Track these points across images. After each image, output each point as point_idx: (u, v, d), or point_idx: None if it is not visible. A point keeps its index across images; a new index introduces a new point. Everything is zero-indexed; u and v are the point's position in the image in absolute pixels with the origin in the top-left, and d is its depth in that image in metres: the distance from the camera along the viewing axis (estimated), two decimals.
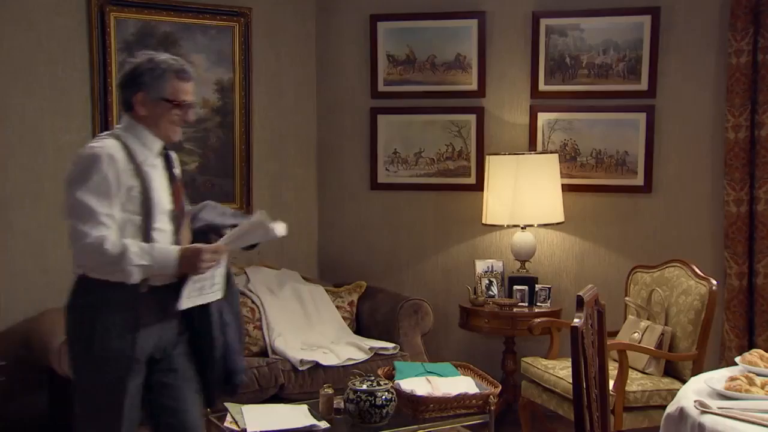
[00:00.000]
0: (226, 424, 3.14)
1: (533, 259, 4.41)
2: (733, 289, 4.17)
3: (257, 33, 4.61)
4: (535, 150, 4.53)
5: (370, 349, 4.00)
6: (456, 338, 4.62)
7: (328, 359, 3.87)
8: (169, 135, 2.59)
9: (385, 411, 3.09)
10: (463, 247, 4.67)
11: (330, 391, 3.20)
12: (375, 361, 3.91)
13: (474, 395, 3.24)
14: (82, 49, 4.14)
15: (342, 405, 3.16)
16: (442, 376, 3.44)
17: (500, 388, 3.45)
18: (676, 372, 3.63)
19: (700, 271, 3.69)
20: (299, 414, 3.19)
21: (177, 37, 4.39)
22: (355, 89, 4.79)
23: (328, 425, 3.13)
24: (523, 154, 4.37)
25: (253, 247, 2.69)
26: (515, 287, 4.34)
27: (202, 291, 2.57)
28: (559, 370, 3.69)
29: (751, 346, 4.05)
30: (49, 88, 4.06)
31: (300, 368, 3.80)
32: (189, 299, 2.54)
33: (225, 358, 2.68)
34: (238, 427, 3.09)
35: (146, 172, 2.51)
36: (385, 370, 3.58)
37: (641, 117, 4.43)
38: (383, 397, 3.08)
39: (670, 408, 2.31)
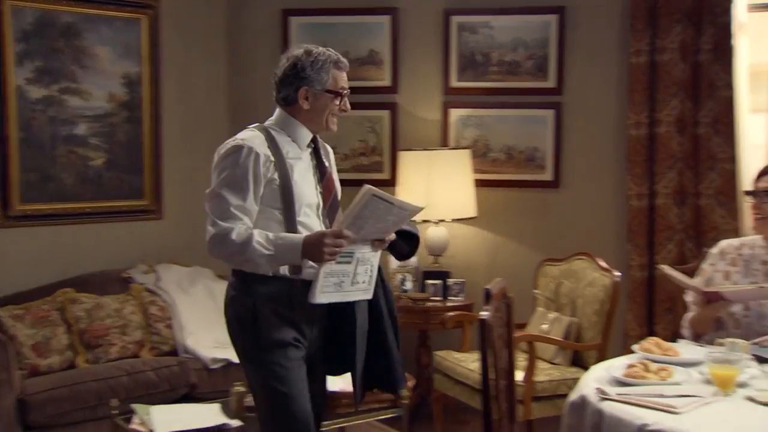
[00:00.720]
0: (132, 425, 3.08)
1: (446, 254, 4.49)
2: (636, 280, 4.35)
3: (166, 26, 4.53)
4: (448, 146, 4.61)
5: None
6: None
7: None
8: (330, 126, 2.59)
9: None
10: None
11: (242, 388, 3.17)
12: None
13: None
14: None
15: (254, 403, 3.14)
16: None
17: (414, 381, 3.50)
18: (582, 361, 3.76)
19: (605, 263, 3.83)
20: (210, 413, 3.17)
21: (80, 28, 4.26)
22: (269, 85, 4.74)
23: (241, 423, 3.12)
24: (436, 150, 4.44)
25: (411, 252, 2.65)
26: (429, 282, 4.40)
27: (341, 287, 2.48)
28: (470, 363, 3.77)
29: (652, 334, 4.23)
30: None
31: (212, 366, 3.77)
32: (324, 294, 2.44)
33: (388, 369, 2.64)
34: (146, 428, 3.04)
35: (289, 165, 2.49)
36: None
37: (549, 114, 4.56)
38: None
39: (573, 396, 2.38)
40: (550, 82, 4.55)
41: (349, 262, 2.45)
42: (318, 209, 2.55)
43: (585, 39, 4.50)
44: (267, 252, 2.38)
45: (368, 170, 4.71)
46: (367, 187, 2.36)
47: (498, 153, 4.63)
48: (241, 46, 4.81)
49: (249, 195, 2.43)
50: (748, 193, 2.96)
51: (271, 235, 2.41)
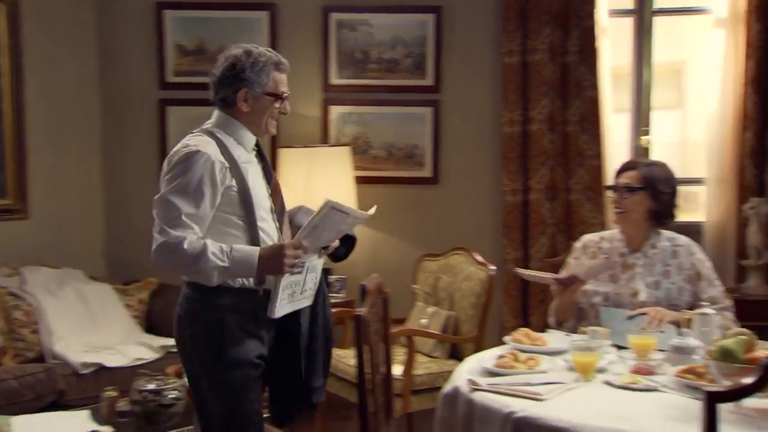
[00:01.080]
0: None
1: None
2: (511, 273, 4.47)
3: (27, 16, 4.31)
4: (328, 143, 4.61)
5: (162, 347, 3.90)
6: None
7: (113, 360, 3.74)
8: (269, 129, 2.56)
9: (172, 410, 3.02)
10: None
11: (114, 393, 3.08)
12: (167, 359, 3.81)
13: None
14: None
15: (127, 407, 3.06)
16: None
17: None
18: (460, 354, 3.84)
19: (481, 257, 3.93)
20: (79, 421, 3.05)
21: None
22: (143, 80, 4.64)
23: (112, 429, 3.02)
24: (316, 146, 4.44)
25: (347, 254, 2.65)
26: None
27: (293, 298, 2.47)
28: (351, 359, 3.79)
29: (527, 325, 4.37)
30: None
31: (82, 371, 3.63)
32: (282, 308, 2.44)
33: (307, 374, 2.58)
34: None
35: (244, 170, 2.45)
36: (177, 368, 3.49)
37: (428, 111, 4.65)
38: (171, 395, 3.02)
39: (446, 387, 2.44)
40: (428, 80, 4.63)
41: (301, 272, 2.46)
42: (271, 213, 2.53)
43: (461, 38, 4.61)
44: (221, 264, 2.33)
45: None
46: (327, 199, 2.37)
47: (378, 150, 4.68)
48: (113, 40, 4.65)
49: (204, 203, 2.36)
50: (609, 188, 3.11)
51: (224, 246, 2.36)
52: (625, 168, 3.08)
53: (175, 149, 2.45)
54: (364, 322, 2.43)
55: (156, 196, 2.40)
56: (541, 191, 4.48)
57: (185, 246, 2.31)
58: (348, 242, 2.67)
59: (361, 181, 4.54)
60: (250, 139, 2.54)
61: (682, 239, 3.05)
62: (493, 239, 4.61)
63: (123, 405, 3.10)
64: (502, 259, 4.50)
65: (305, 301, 2.56)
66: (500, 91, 4.52)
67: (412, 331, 3.70)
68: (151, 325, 4.25)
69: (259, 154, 2.59)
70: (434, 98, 4.63)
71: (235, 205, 2.43)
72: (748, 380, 1.71)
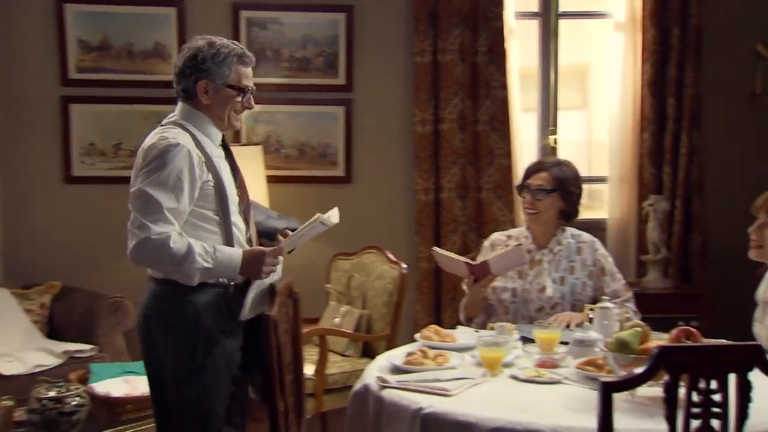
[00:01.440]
0: None
1: None
2: (423, 271, 4.55)
3: None
4: (239, 142, 4.56)
5: (64, 352, 3.78)
6: None
7: (10, 368, 3.59)
8: (232, 123, 2.51)
9: (75, 418, 2.92)
10: None
11: (9, 403, 2.95)
12: (69, 365, 3.70)
13: None
14: None
15: (25, 417, 2.94)
16: (142, 374, 3.33)
17: None
18: (373, 352, 3.84)
19: (393, 256, 3.96)
20: None
21: None
22: (44, 77, 4.47)
23: None
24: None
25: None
26: None
27: (262, 300, 2.49)
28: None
29: (439, 323, 4.44)
30: None
31: None
32: (252, 310, 2.45)
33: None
34: None
35: (217, 164, 2.42)
36: (80, 374, 3.40)
37: (340, 110, 4.65)
38: (72, 402, 2.92)
39: (357, 386, 2.46)
40: (341, 80, 4.63)
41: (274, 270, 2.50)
42: (238, 207, 2.51)
43: (373, 38, 4.63)
44: (206, 265, 2.32)
45: None
46: (318, 214, 2.47)
47: (290, 149, 4.65)
48: (11, 34, 4.46)
49: (183, 197, 2.32)
50: (520, 189, 3.17)
51: (208, 246, 2.34)
52: (535, 170, 3.15)
53: (150, 142, 2.39)
54: (273, 322, 2.43)
55: (132, 189, 2.34)
56: (452, 190, 4.55)
57: (171, 244, 2.26)
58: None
59: (273, 180, 4.51)
60: (217, 133, 2.51)
61: (585, 236, 3.16)
62: (406, 237, 4.65)
63: (20, 415, 2.98)
64: (414, 257, 4.55)
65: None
66: (412, 90, 4.57)
67: (324, 331, 3.71)
68: (54, 330, 4.11)
69: (225, 149, 2.56)
70: (346, 97, 4.64)
71: (211, 200, 2.40)
72: (640, 370, 1.78)
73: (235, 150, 4.20)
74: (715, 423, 1.78)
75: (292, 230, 2.63)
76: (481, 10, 4.48)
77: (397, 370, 2.44)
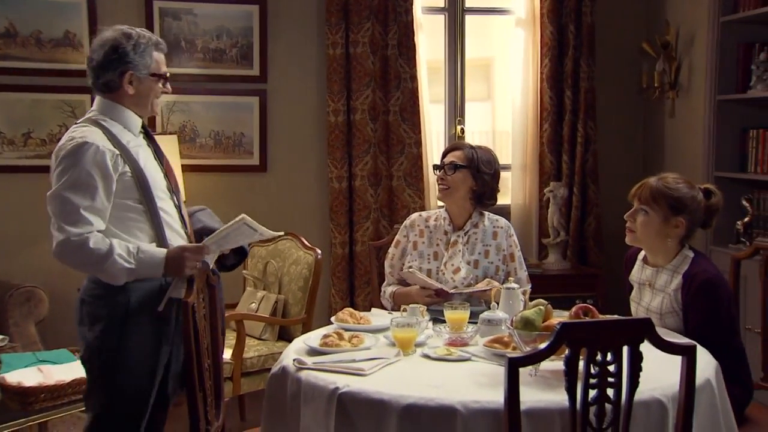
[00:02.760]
0: None
1: None
2: (338, 256, 4.54)
3: None
4: (155, 131, 4.43)
5: None
6: None
7: None
8: (154, 109, 2.53)
9: None
10: None
11: None
12: None
13: None
14: None
15: None
16: (56, 363, 3.22)
17: None
18: (289, 335, 3.84)
19: (308, 242, 3.94)
20: None
21: None
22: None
23: None
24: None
25: (234, 266, 2.68)
26: None
27: (181, 294, 2.39)
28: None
29: (353, 305, 4.46)
30: None
31: None
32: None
33: None
34: None
35: (135, 153, 2.38)
36: None
37: (255, 100, 4.59)
38: None
39: (274, 368, 2.43)
40: (255, 71, 4.57)
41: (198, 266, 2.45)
42: (168, 192, 2.49)
43: (286, 30, 4.58)
44: (128, 266, 2.29)
45: None
46: (243, 215, 2.42)
47: (206, 138, 4.56)
48: None
49: (98, 194, 2.29)
50: (436, 167, 3.18)
51: (131, 246, 2.31)
52: (451, 148, 3.17)
53: (60, 143, 2.35)
54: (192, 309, 2.38)
55: (48, 193, 2.30)
56: (364, 178, 4.55)
57: (90, 245, 2.25)
58: (239, 254, 2.70)
59: (189, 169, 4.42)
60: (136, 121, 2.49)
61: (503, 221, 3.18)
62: (320, 224, 4.64)
63: None
64: (329, 243, 4.55)
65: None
66: (324, 81, 4.55)
67: (241, 316, 3.66)
68: None
69: (147, 136, 2.54)
70: (261, 88, 4.58)
71: (132, 190, 2.37)
72: (543, 346, 1.83)
73: None
74: (610, 392, 1.85)
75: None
76: (390, 5, 4.49)
77: (313, 351, 2.43)
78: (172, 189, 2.53)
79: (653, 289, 2.66)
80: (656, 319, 2.57)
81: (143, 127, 2.53)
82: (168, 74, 2.54)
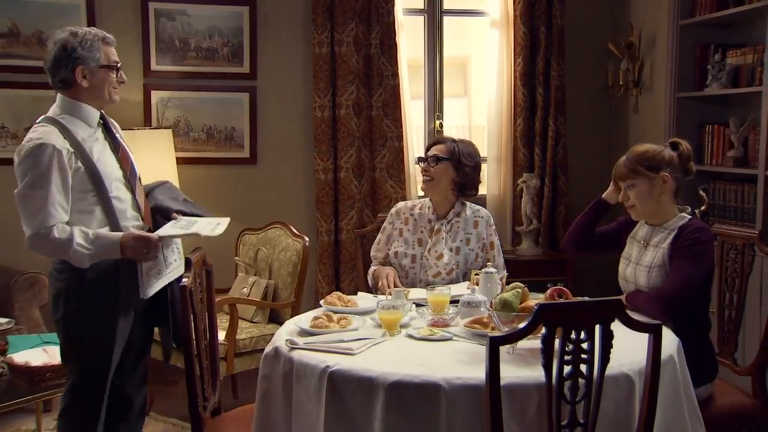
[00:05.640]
0: None
1: None
2: (324, 244, 4.53)
3: None
4: (150, 125, 4.40)
5: None
6: None
7: None
8: (113, 98, 2.55)
9: None
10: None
11: None
12: None
13: None
14: None
15: None
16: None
17: None
18: (279, 318, 3.83)
19: (296, 230, 3.93)
20: None
21: None
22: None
23: None
24: (138, 129, 4.21)
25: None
26: None
27: (161, 273, 2.55)
28: None
29: (339, 290, 4.44)
30: None
31: None
32: (151, 287, 2.52)
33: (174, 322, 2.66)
34: None
35: (88, 149, 2.45)
36: None
37: (245, 96, 4.55)
38: None
39: (267, 348, 2.42)
40: (245, 68, 4.53)
41: (156, 256, 2.52)
42: (124, 179, 2.54)
43: (275, 30, 4.55)
44: (87, 252, 2.39)
45: None
46: (199, 233, 2.53)
47: (199, 133, 4.53)
48: None
49: (57, 190, 2.37)
50: (420, 159, 3.18)
51: (91, 233, 2.40)
52: (435, 142, 3.17)
53: (23, 142, 2.42)
54: (189, 292, 2.37)
55: (15, 191, 2.39)
56: (349, 170, 4.54)
57: (55, 235, 2.35)
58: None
59: (182, 161, 4.38)
60: (94, 114, 2.52)
61: (483, 212, 3.17)
62: (307, 213, 4.63)
63: None
64: (315, 231, 4.53)
65: (175, 273, 2.64)
66: (311, 78, 4.52)
67: (234, 300, 3.65)
68: None
69: (105, 128, 2.58)
70: (251, 85, 4.55)
71: (87, 183, 2.44)
72: (521, 326, 1.84)
73: (147, 133, 4.18)
74: (583, 367, 1.87)
75: (186, 215, 2.68)
76: (373, 6, 4.47)
77: (304, 333, 2.42)
78: (127, 177, 2.57)
79: (647, 246, 2.65)
80: (644, 274, 2.57)
81: (102, 118, 2.57)
82: (120, 64, 2.55)
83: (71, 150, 2.41)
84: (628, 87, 4.72)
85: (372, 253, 3.22)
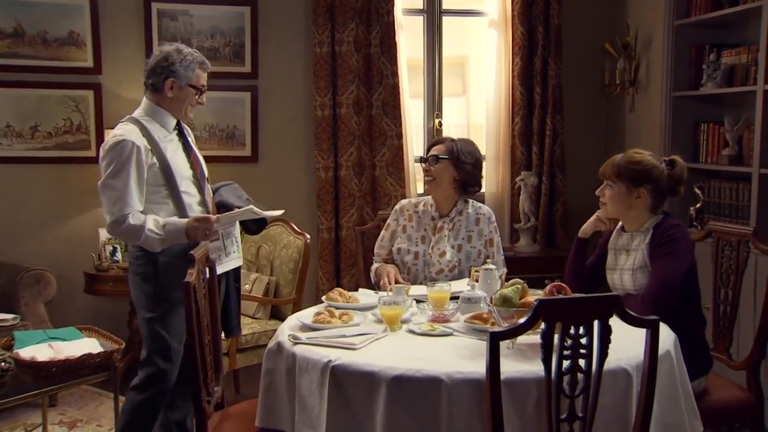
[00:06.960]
0: None
1: None
2: (324, 241, 4.54)
3: None
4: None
5: None
6: (83, 304, 4.33)
7: None
8: (187, 115, 2.83)
9: (1, 381, 2.77)
10: (86, 217, 4.37)
11: None
12: None
13: (97, 354, 3.07)
14: None
15: None
16: (65, 340, 3.19)
17: (124, 345, 3.31)
18: (280, 314, 3.84)
19: (297, 228, 3.93)
20: None
21: None
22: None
23: None
24: None
25: (263, 226, 2.96)
26: None
27: (220, 260, 2.76)
28: None
29: (340, 286, 4.45)
30: None
31: None
32: (223, 266, 2.77)
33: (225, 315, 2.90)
34: None
35: (163, 148, 2.70)
36: (4, 341, 3.21)
37: (247, 96, 4.55)
38: None
39: (270, 343, 2.42)
40: (247, 68, 4.53)
41: (218, 240, 2.78)
42: (193, 179, 2.78)
43: (276, 30, 4.54)
44: (157, 237, 2.63)
45: (73, 148, 4.33)
46: (251, 206, 2.79)
47: (201, 131, 4.52)
48: None
49: (134, 181, 2.61)
50: (421, 159, 3.18)
51: (161, 220, 2.66)
52: (434, 143, 3.17)
53: (107, 139, 2.69)
54: (193, 289, 2.36)
55: (99, 182, 2.66)
56: (349, 167, 4.54)
57: (130, 222, 2.61)
58: (260, 222, 2.96)
59: None
60: (171, 121, 2.79)
61: (485, 209, 3.17)
62: (308, 211, 4.62)
63: None
64: (316, 228, 4.53)
65: (234, 263, 2.89)
66: (312, 78, 4.52)
67: None
68: None
69: (180, 133, 2.83)
70: (252, 84, 4.54)
71: (160, 178, 2.69)
72: (521, 321, 1.84)
73: None
74: (582, 362, 1.87)
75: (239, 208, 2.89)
76: (373, 7, 4.47)
77: (307, 328, 2.43)
78: (197, 176, 2.81)
79: (628, 252, 2.67)
80: (629, 277, 2.58)
81: (178, 125, 2.82)
82: (205, 88, 2.81)
83: (148, 147, 2.66)
84: (625, 86, 4.72)
85: (375, 250, 3.22)
